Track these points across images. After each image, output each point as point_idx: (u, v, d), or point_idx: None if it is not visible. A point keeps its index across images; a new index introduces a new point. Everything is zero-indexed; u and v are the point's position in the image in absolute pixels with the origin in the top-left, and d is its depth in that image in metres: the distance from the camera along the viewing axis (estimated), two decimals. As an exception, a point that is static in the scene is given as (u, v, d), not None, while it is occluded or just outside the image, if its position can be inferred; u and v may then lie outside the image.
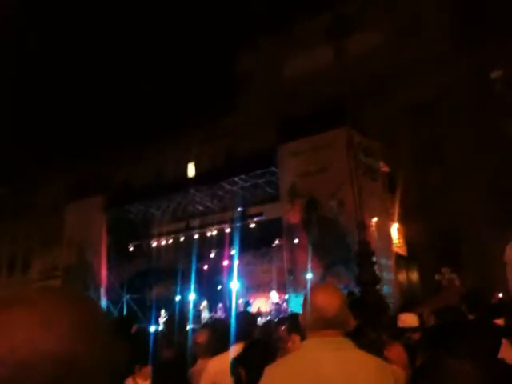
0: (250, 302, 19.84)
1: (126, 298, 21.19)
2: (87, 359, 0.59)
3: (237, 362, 2.62)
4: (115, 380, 0.63)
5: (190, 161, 31.29)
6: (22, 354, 0.55)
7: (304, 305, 2.02)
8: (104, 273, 20.91)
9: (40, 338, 0.57)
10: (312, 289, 2.12)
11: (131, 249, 21.65)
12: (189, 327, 15.30)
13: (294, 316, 4.69)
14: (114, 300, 20.89)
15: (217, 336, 3.91)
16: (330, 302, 1.88)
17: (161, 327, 18.30)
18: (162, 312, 19.77)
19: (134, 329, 5.33)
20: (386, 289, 14.95)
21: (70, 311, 0.61)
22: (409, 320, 5.11)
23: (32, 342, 0.56)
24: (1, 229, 38.78)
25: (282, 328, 4.23)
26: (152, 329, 16.14)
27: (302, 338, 3.16)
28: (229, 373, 3.05)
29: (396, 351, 3.58)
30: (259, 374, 2.10)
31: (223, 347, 3.60)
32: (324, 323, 1.86)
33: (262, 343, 3.20)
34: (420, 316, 5.67)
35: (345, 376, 1.76)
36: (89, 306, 0.64)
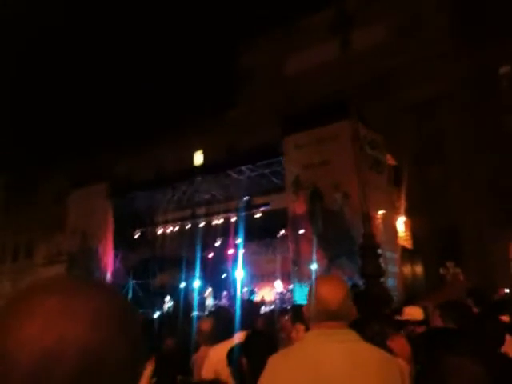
0: (255, 290, 19.94)
1: (131, 283, 21.34)
2: (113, 351, 0.58)
3: (239, 350, 2.64)
4: (139, 371, 0.63)
5: (193, 151, 31.35)
6: (50, 340, 0.55)
7: (309, 296, 2.02)
8: (110, 259, 21.04)
9: (66, 326, 0.56)
10: (316, 280, 2.12)
11: (136, 236, 21.74)
12: (193, 314, 15.40)
13: (297, 307, 4.71)
14: (119, 286, 21.04)
15: (220, 324, 3.93)
16: (334, 294, 1.88)
17: (165, 313, 18.46)
18: (167, 298, 19.90)
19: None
20: (390, 282, 14.96)
21: (95, 300, 0.60)
22: (413, 313, 5.12)
23: (58, 330, 0.56)
24: (3, 218, 39.09)
25: (285, 318, 4.25)
26: (156, 315, 16.30)
27: (307, 329, 3.17)
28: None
29: (399, 343, 3.58)
30: (261, 363, 2.11)
31: (226, 335, 3.62)
32: (327, 315, 1.87)
33: (265, 333, 3.22)
34: (425, 309, 5.68)
35: (348, 368, 1.77)
36: (114, 296, 0.64)
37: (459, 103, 22.04)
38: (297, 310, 4.15)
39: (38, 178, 39.17)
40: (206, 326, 3.84)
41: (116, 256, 21.16)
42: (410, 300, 9.79)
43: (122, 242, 21.40)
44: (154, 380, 2.56)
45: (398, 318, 5.16)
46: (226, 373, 2.98)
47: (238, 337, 3.38)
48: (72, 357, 0.55)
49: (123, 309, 0.63)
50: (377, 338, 2.58)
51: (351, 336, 1.89)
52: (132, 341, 0.61)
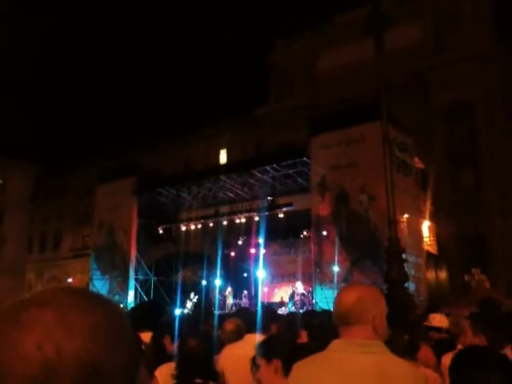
0: (275, 291, 19.85)
1: (153, 280, 21.53)
2: (111, 362, 0.59)
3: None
4: (136, 381, 0.63)
5: (220, 149, 31.46)
6: (48, 352, 0.56)
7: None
8: (133, 254, 21.27)
9: (64, 338, 0.57)
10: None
11: (160, 232, 21.91)
12: (214, 312, 15.44)
13: (308, 313, 4.66)
14: (141, 281, 21.29)
15: (243, 325, 3.93)
16: (345, 295, 1.86)
17: (187, 310, 18.55)
18: (192, 295, 19.94)
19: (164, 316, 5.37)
20: (414, 287, 14.74)
21: (92, 313, 0.61)
22: (436, 320, 5.06)
23: (56, 342, 0.57)
24: (34, 208, 40.05)
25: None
26: (177, 311, 16.40)
27: (310, 334, 3.17)
28: (234, 359, 3.16)
29: (426, 352, 3.54)
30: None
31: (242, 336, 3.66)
32: (338, 319, 1.85)
33: (282, 337, 3.20)
34: (447, 316, 5.60)
35: (374, 381, 1.72)
36: (111, 309, 0.65)
37: (493, 106, 21.57)
38: (307, 315, 4.07)
39: (67, 172, 40.01)
40: (231, 326, 3.85)
41: (139, 251, 21.38)
42: (433, 306, 9.62)
43: (147, 237, 21.61)
44: (174, 382, 2.56)
45: (425, 323, 5.11)
46: (230, 370, 3.01)
47: (249, 339, 3.42)
48: (71, 368, 0.56)
49: (119, 321, 0.64)
50: (406, 350, 2.53)
51: (379, 348, 1.83)
52: (128, 352, 0.62)
